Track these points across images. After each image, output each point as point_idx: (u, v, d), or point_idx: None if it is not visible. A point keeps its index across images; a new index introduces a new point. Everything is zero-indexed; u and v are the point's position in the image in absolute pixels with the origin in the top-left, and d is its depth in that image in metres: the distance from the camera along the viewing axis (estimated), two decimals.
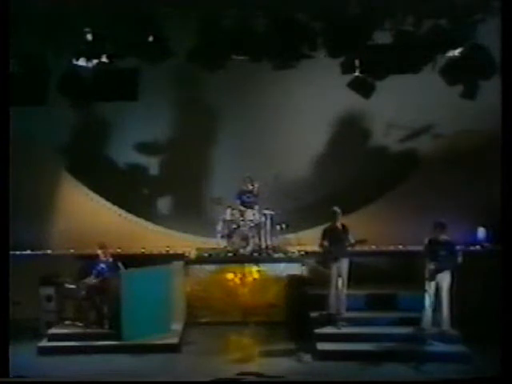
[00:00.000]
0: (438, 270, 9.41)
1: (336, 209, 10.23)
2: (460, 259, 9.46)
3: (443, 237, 9.57)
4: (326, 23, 9.12)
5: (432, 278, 9.43)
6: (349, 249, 10.06)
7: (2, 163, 7.34)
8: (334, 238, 10.06)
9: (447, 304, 9.48)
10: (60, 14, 8.77)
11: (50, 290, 10.98)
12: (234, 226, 11.98)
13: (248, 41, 9.13)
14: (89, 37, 9.05)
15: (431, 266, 9.42)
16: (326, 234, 10.20)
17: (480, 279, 10.26)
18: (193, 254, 11.96)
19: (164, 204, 13.34)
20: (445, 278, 9.47)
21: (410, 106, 11.85)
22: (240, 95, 12.16)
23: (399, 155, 12.76)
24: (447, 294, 9.47)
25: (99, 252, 10.56)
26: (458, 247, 9.67)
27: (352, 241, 9.99)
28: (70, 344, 10.04)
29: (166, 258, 11.40)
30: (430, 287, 9.46)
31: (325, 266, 10.25)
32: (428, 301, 9.47)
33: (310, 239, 11.89)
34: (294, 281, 11.45)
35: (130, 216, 12.75)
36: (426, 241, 9.67)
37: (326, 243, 10.14)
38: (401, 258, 11.39)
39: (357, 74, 9.64)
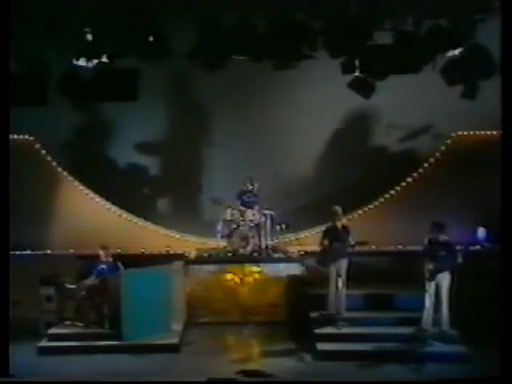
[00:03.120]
0: (438, 271, 9.42)
1: (337, 208, 10.20)
2: (460, 259, 9.47)
3: (442, 237, 9.58)
4: (326, 23, 9.12)
5: (432, 278, 9.44)
6: (349, 249, 10.06)
7: (2, 163, 7.35)
8: (335, 238, 10.05)
9: (447, 304, 9.49)
10: (60, 14, 8.77)
11: (50, 290, 10.95)
12: (234, 226, 11.97)
13: (248, 41, 9.12)
14: (89, 37, 9.04)
15: (430, 267, 9.44)
16: (326, 234, 10.20)
17: (480, 279, 10.25)
18: (193, 254, 11.97)
19: (164, 204, 13.33)
20: (444, 279, 9.47)
21: (410, 106, 11.87)
22: (240, 95, 12.17)
23: (399, 155, 12.77)
24: (447, 294, 9.48)
25: (101, 253, 10.56)
26: (457, 247, 9.68)
27: (352, 242, 9.99)
28: (70, 344, 10.03)
29: (166, 258, 11.39)
30: (430, 287, 9.48)
31: (324, 266, 10.24)
32: (428, 301, 9.50)
33: (310, 239, 11.93)
34: (294, 281, 11.45)
35: (130, 216, 12.74)
36: (426, 241, 9.68)
37: (326, 243, 10.15)
38: (401, 258, 11.38)
39: (357, 74, 9.64)
